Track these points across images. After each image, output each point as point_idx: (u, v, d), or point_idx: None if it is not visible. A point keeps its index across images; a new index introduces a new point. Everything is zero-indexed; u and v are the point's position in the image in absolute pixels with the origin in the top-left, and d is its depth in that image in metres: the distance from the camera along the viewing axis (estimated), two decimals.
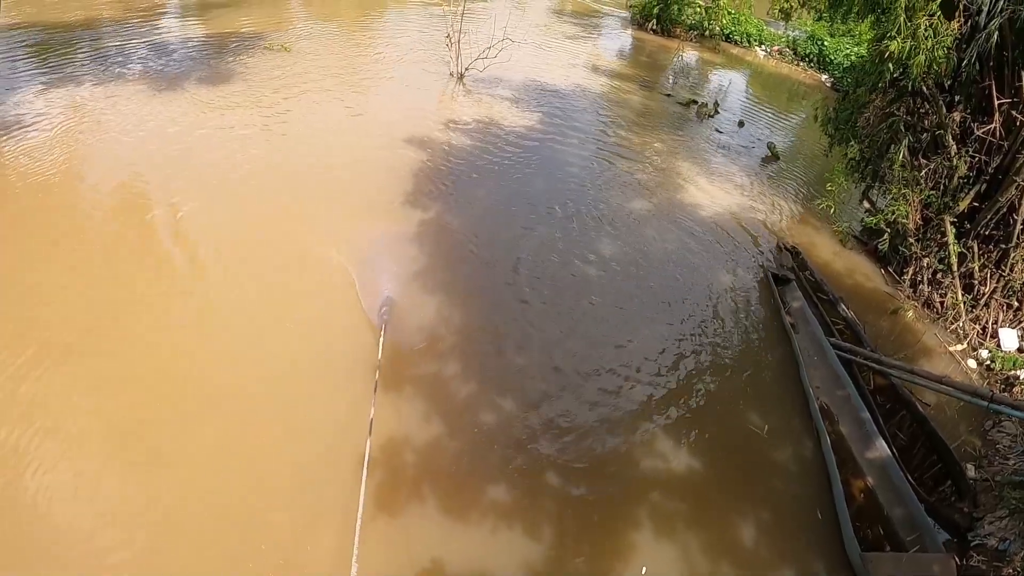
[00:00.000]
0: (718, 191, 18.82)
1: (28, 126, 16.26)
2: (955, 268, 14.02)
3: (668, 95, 26.79)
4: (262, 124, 18.11)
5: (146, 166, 15.10)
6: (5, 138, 15.57)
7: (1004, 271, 13.67)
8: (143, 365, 10.12)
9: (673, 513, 9.31)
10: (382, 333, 10.63)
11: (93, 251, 12.41)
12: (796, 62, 34.71)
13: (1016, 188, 12.97)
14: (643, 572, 8.48)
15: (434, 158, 17.81)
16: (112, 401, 9.46)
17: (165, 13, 27.94)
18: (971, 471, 10.27)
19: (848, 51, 32.44)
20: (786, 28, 36.44)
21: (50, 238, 12.49)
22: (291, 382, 10.21)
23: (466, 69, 24.26)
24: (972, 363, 13.21)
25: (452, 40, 23.90)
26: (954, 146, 13.89)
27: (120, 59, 21.55)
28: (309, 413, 9.76)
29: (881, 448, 10.23)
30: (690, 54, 33.55)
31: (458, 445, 9.72)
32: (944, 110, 14.03)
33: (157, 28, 25.47)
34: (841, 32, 33.32)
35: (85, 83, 19.18)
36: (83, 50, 21.85)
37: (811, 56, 34.36)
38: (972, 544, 9.11)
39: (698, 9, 35.32)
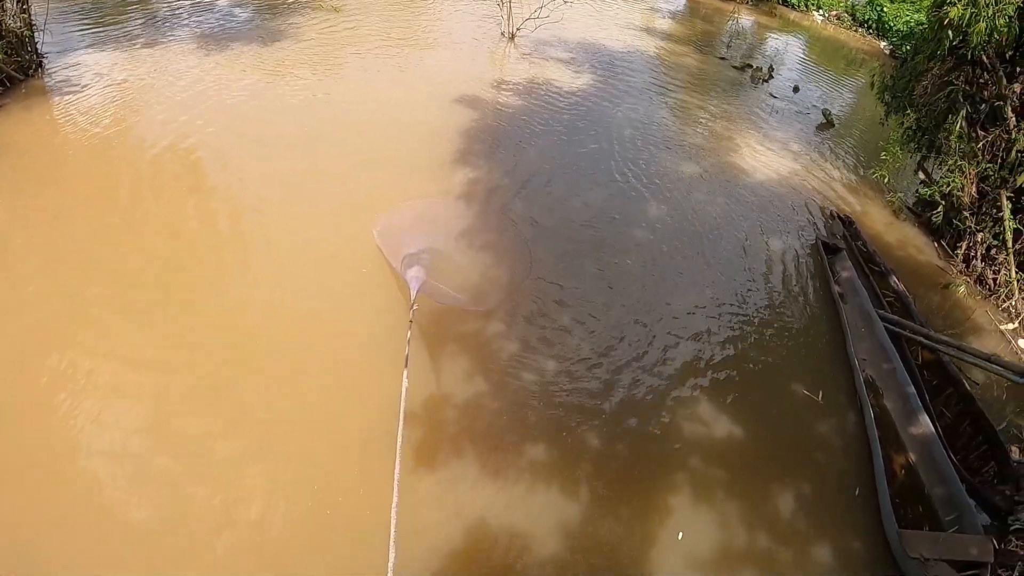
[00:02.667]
0: (771, 156, 18.59)
1: (82, 86, 16.48)
2: (1010, 244, 13.73)
3: (722, 59, 26.44)
4: (310, 84, 18.22)
5: (197, 126, 15.28)
6: (60, 98, 15.82)
7: None
8: (200, 316, 10.49)
9: (712, 480, 9.32)
10: (413, 290, 10.50)
11: (147, 210, 12.64)
12: (854, 28, 34.00)
13: None
14: (679, 537, 8.51)
15: (483, 118, 17.78)
16: (172, 348, 9.78)
17: None
18: (1016, 454, 10.01)
19: (908, 17, 31.68)
20: None
21: (106, 198, 12.76)
22: (331, 336, 10.41)
23: (517, 29, 24.15)
24: (1023, 343, 12.97)
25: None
26: (1013, 118, 13.54)
27: (171, 20, 21.70)
28: (348, 368, 9.95)
29: (925, 425, 10.12)
30: (746, 17, 33.02)
31: (498, 403, 9.80)
32: (1004, 81, 13.67)
33: None
34: None
35: (136, 44, 19.35)
36: (133, 11, 21.98)
37: (870, 22, 33.62)
38: (1012, 528, 8.97)
39: None
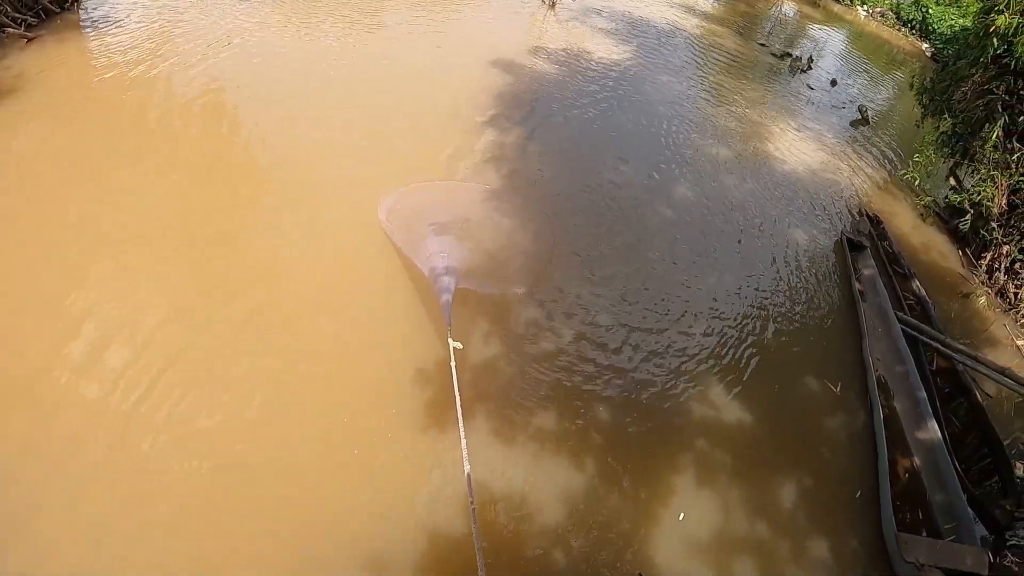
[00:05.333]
0: (803, 147, 18.50)
1: (117, 22, 16.42)
2: None
3: (763, 45, 26.21)
4: (346, 39, 18.14)
5: (229, 73, 15.23)
6: (94, 32, 15.79)
7: None
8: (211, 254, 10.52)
9: (718, 464, 9.41)
10: (447, 311, 9.66)
11: (174, 153, 12.62)
12: (897, 27, 33.55)
13: None
14: (680, 518, 8.56)
15: (518, 84, 17.68)
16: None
17: None
18: (1020, 470, 10.04)
19: (952, 21, 31.27)
20: None
21: (136, 137, 12.76)
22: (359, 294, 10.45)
23: None
24: None
25: None
26: None
27: None
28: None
29: (933, 430, 10.13)
30: (789, 5, 32.64)
31: (512, 370, 9.86)
32: None
33: None
34: (947, 1, 32.21)
35: None
36: None
37: (914, 22, 33.15)
38: (1008, 543, 8.98)
39: None
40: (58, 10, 16.27)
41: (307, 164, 12.80)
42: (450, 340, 8.85)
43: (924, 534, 8.92)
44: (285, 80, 15.43)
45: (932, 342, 11.65)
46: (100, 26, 16.16)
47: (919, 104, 17.41)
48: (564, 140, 15.64)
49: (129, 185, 11.47)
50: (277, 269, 10.50)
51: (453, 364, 8.33)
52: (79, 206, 10.85)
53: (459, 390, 7.87)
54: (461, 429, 7.09)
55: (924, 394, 10.74)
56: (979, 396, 11.04)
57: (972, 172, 15.43)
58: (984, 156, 14.34)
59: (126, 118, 13.15)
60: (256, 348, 9.22)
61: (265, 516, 7.51)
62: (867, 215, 15.79)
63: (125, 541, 7.09)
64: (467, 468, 6.31)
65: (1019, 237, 14.01)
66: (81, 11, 16.71)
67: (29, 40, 14.97)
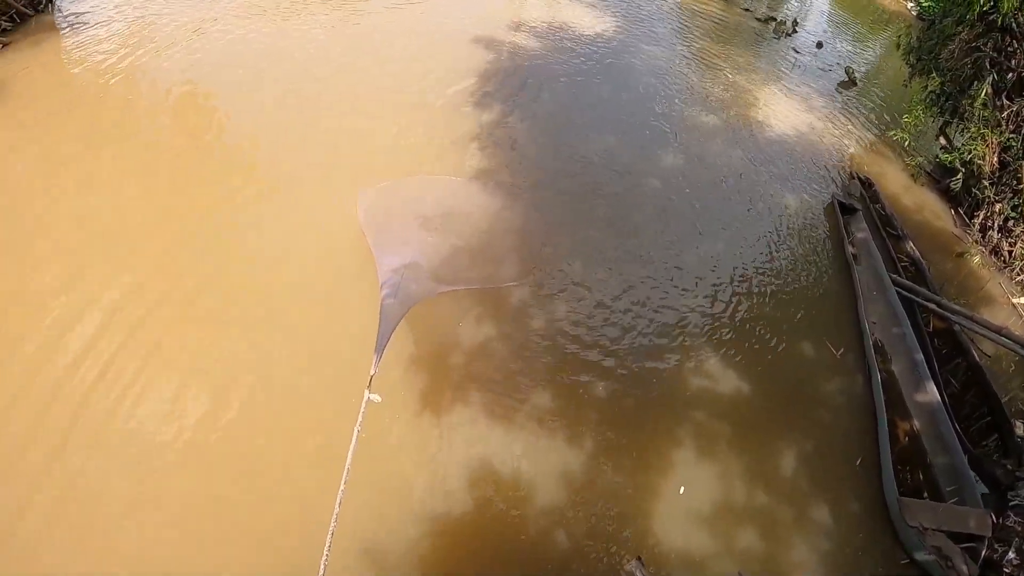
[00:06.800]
0: (790, 112, 18.35)
1: (92, 22, 16.01)
2: None
3: (746, 10, 25.95)
4: (325, 25, 17.72)
5: (210, 66, 14.96)
6: (70, 34, 15.41)
7: None
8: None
9: (715, 434, 9.40)
10: (378, 352, 8.09)
11: (149, 151, 12.37)
12: None
13: None
14: (680, 491, 8.53)
15: (500, 60, 17.48)
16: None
17: None
18: (1020, 429, 10.04)
19: None
20: None
21: (112, 134, 12.56)
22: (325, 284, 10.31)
23: None
24: None
25: None
26: None
27: None
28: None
29: (931, 392, 10.15)
30: None
31: (507, 351, 9.79)
32: None
33: None
34: None
35: None
36: None
37: None
38: (1011, 504, 8.98)
39: None
40: (31, 12, 15.75)
41: (289, 154, 12.62)
42: (367, 392, 7.34)
43: (926, 496, 8.97)
44: (265, 69, 15.12)
45: (928, 303, 11.65)
46: (76, 26, 15.72)
47: (906, 63, 17.31)
48: (549, 117, 15.47)
49: (111, 183, 11.32)
50: (259, 264, 10.39)
51: (358, 426, 7.02)
52: (65, 207, 10.72)
53: (354, 451, 6.83)
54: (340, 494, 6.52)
55: (921, 356, 10.75)
56: (976, 356, 11.05)
57: (962, 131, 15.38)
58: (974, 114, 14.25)
59: (105, 117, 12.93)
60: (238, 342, 9.19)
61: (254, 516, 7.50)
62: (858, 177, 15.70)
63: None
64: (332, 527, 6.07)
65: (1011, 195, 13.95)
66: (56, 13, 16.33)
67: (4, 45, 14.64)
